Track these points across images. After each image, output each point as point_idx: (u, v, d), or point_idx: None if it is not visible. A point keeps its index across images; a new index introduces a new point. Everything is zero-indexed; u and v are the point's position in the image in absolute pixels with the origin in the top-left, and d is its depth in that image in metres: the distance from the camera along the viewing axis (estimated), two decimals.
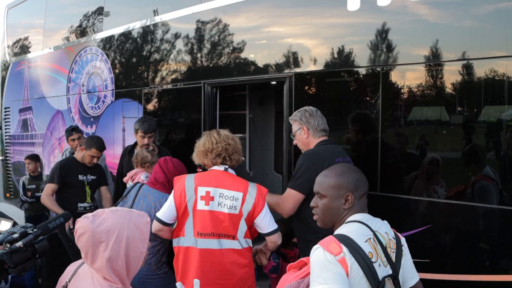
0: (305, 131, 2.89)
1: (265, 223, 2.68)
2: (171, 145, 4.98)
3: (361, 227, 1.68)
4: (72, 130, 4.96)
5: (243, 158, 2.94)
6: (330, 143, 2.90)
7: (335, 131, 3.50)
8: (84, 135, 6.10)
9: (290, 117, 3.03)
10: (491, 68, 2.82)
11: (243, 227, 2.66)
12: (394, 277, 1.64)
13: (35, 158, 6.21)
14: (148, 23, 5.16)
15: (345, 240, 1.61)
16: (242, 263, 2.70)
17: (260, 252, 2.93)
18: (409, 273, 1.80)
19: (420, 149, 3.15)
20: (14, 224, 2.82)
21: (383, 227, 1.75)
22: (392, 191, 3.17)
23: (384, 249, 1.66)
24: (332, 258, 1.56)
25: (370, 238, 1.65)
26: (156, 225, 2.70)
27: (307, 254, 2.77)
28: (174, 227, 2.76)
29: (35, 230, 1.87)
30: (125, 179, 3.46)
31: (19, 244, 1.78)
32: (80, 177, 4.18)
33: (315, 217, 1.83)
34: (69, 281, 1.90)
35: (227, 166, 2.74)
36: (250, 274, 2.76)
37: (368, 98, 3.32)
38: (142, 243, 1.78)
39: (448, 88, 2.99)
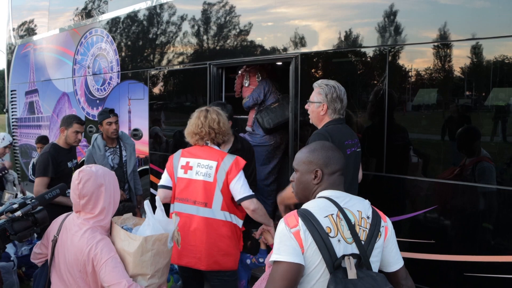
0: (324, 109, 2.78)
1: (237, 189, 2.81)
2: (176, 126, 4.99)
3: (325, 202, 1.70)
4: (110, 112, 4.27)
5: (228, 138, 3.23)
6: (341, 123, 2.82)
7: None
8: (91, 117, 6.15)
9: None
10: (500, 48, 2.78)
11: (218, 197, 2.81)
12: (360, 256, 1.62)
13: (45, 140, 6.21)
14: (153, 4, 5.13)
15: (304, 214, 1.65)
16: (214, 234, 2.82)
17: (265, 232, 2.98)
18: (393, 258, 1.78)
19: (425, 131, 3.14)
20: (16, 196, 2.91)
21: (357, 205, 1.73)
22: (398, 172, 3.17)
23: (351, 226, 1.65)
24: (288, 230, 1.63)
25: (332, 214, 1.65)
26: (162, 193, 2.96)
27: None
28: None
29: (33, 201, 2.11)
30: None
31: (18, 213, 2.02)
32: (69, 164, 4.04)
33: (293, 191, 1.92)
34: (58, 235, 2.15)
35: (208, 142, 2.97)
36: (221, 249, 2.83)
37: (374, 79, 3.30)
38: (118, 190, 2.21)
39: (456, 69, 2.96)
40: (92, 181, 2.08)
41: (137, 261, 2.03)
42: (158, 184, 3.03)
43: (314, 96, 2.84)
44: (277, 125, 4.66)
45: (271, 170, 4.81)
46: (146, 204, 2.21)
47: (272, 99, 4.82)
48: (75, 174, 2.12)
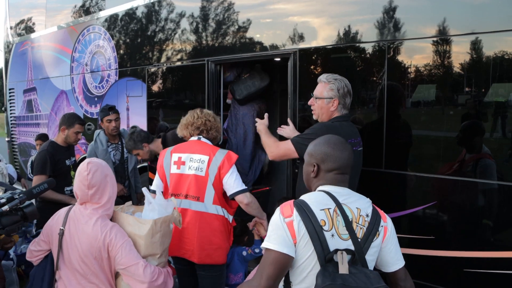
0: (335, 105, 2.71)
1: (230, 183, 2.81)
2: (175, 123, 4.97)
3: (323, 196, 1.71)
4: (109, 110, 4.28)
5: (220, 136, 3.19)
6: (346, 120, 2.77)
7: None
8: (89, 115, 6.13)
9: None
10: (500, 43, 2.76)
11: (210, 191, 2.82)
12: (354, 253, 1.62)
13: (44, 137, 6.19)
14: (151, 1, 5.10)
15: (299, 204, 1.66)
16: (207, 228, 2.82)
17: (258, 225, 3.04)
18: (392, 258, 1.77)
19: (425, 126, 3.13)
20: (6, 191, 2.88)
21: (357, 203, 1.73)
22: (397, 167, 3.16)
23: (348, 223, 1.65)
24: (281, 220, 1.65)
25: (329, 208, 1.65)
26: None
27: None
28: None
29: (20, 195, 2.12)
30: None
31: (6, 208, 2.05)
32: (67, 162, 4.01)
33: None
34: (64, 227, 2.22)
35: (201, 136, 2.99)
36: (214, 242, 2.84)
37: (373, 75, 3.28)
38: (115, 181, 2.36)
39: (455, 64, 2.94)
40: (100, 172, 2.22)
41: (148, 242, 2.19)
42: (150, 188, 3.02)
43: (324, 92, 2.73)
44: (248, 96, 4.70)
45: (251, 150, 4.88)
46: (145, 190, 2.38)
47: (247, 70, 4.83)
48: (83, 166, 2.23)
